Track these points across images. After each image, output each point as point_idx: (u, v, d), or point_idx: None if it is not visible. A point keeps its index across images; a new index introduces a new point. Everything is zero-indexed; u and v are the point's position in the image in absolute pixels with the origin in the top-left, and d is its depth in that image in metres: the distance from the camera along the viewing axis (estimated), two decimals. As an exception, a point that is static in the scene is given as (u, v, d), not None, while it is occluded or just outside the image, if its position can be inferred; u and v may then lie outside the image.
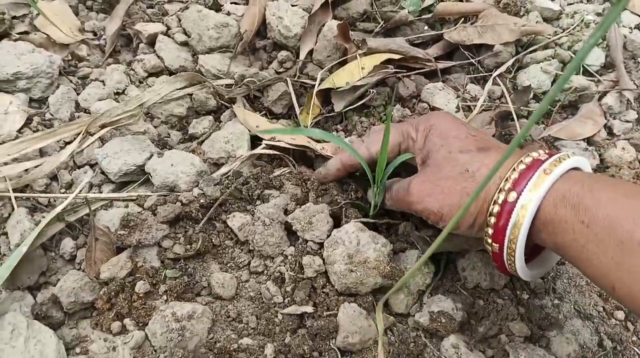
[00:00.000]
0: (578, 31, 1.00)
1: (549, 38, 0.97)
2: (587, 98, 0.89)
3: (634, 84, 0.91)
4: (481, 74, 0.96)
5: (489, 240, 0.54)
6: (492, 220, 0.52)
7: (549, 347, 0.65)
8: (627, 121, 0.87)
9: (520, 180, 0.50)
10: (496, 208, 0.52)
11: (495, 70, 0.94)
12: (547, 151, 0.53)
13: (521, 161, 0.52)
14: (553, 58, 0.95)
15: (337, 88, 0.89)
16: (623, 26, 1.00)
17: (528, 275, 0.56)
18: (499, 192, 0.52)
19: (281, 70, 0.96)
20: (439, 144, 0.59)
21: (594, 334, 0.68)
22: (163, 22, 1.04)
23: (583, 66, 0.94)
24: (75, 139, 0.81)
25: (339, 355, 0.62)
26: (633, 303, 0.43)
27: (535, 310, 0.68)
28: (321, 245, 0.70)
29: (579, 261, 0.47)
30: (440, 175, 0.57)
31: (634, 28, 1.00)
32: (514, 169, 0.52)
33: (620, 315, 0.70)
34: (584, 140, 0.84)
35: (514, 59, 0.96)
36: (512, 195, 0.50)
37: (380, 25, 1.02)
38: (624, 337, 0.68)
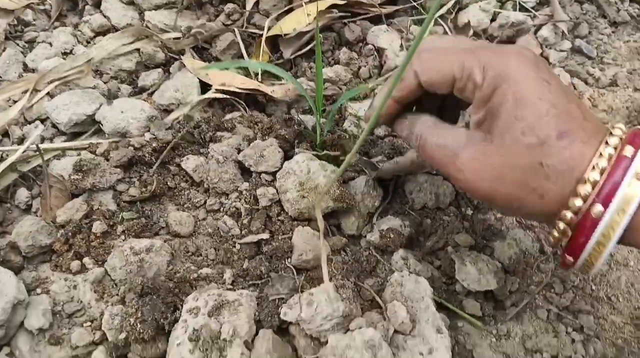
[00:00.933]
0: (514, -28, 1.03)
1: (487, -22, 1.01)
2: (524, 32, 0.93)
3: (568, 17, 0.95)
4: (424, 16, 0.99)
5: (562, 249, 0.47)
6: (566, 229, 0.45)
7: (492, 255, 0.69)
8: (562, 50, 0.91)
9: (605, 187, 0.41)
10: (570, 216, 0.43)
11: (437, 12, 0.97)
12: (628, 131, 0.43)
13: (606, 147, 0.42)
14: (491, -3, 0.99)
15: (284, 35, 0.91)
16: (557, -36, 1.04)
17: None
18: (574, 196, 0.42)
19: (229, 22, 0.97)
20: (512, 114, 0.44)
21: (536, 241, 0.72)
22: (108, -16, 1.04)
23: (519, 3, 0.98)
24: (23, 96, 0.81)
25: (295, 272, 0.65)
26: None
27: (479, 224, 0.72)
28: (274, 176, 0.73)
29: None
30: (506, 159, 0.45)
31: (567, -34, 1.04)
32: (594, 168, 0.41)
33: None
34: (521, 69, 0.88)
35: (454, 0, 0.99)
36: (597, 209, 0.41)
37: (324, -25, 1.04)
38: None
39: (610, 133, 0.43)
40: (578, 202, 0.42)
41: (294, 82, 0.75)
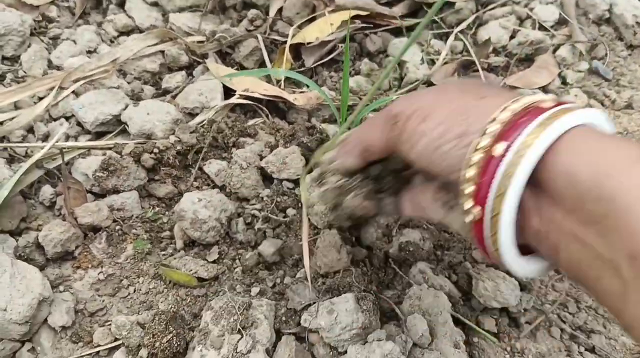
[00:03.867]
0: (534, -10, 1.05)
1: (507, -4, 1.02)
2: (543, 51, 0.95)
3: (586, 38, 0.96)
4: (444, 31, 1.00)
5: (469, 203, 0.38)
6: (473, 172, 0.37)
7: (509, 272, 0.70)
8: (579, 71, 0.93)
9: (511, 129, 0.36)
10: (478, 156, 0.37)
11: (457, 27, 0.98)
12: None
13: (516, 100, 0.38)
14: (510, 14, 1.00)
15: (307, 43, 0.92)
16: (576, -15, 1.06)
17: (519, 264, 0.38)
18: (482, 135, 0.37)
19: (251, 28, 0.98)
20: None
21: (550, 260, 0.73)
22: (132, -16, 1.05)
23: (538, 22, 0.99)
24: (49, 93, 0.82)
25: (314, 281, 0.66)
26: None
27: (496, 240, 0.73)
28: (296, 183, 0.74)
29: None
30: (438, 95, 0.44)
31: (587, -13, 1.06)
32: (505, 109, 0.37)
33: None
34: (539, 88, 0.90)
35: (474, 16, 1.00)
36: (500, 148, 0.36)
37: (347, -15, 1.05)
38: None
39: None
40: (485, 141, 0.37)
41: (319, 90, 0.76)
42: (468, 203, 0.39)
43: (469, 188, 0.38)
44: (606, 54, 0.97)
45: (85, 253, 0.69)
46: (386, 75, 0.34)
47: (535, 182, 0.35)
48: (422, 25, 0.36)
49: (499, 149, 0.36)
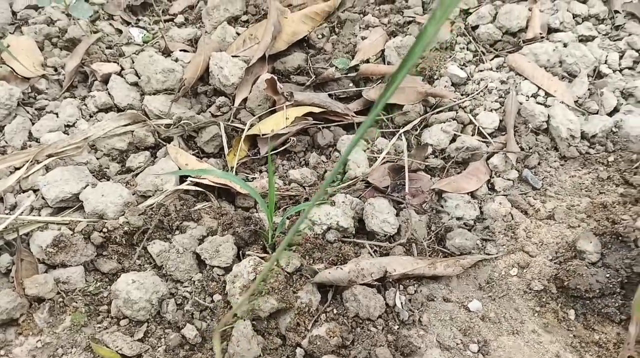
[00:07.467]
0: (481, 96, 1.14)
1: (454, 101, 1.12)
2: (478, 157, 1.03)
3: (520, 147, 1.05)
4: (391, 130, 1.09)
5: None
6: None
7: (408, 374, 0.77)
8: (509, 179, 1.01)
9: None
10: None
11: (403, 127, 1.08)
12: None
13: None
14: (453, 119, 1.09)
15: (262, 134, 1.02)
16: (521, 94, 1.15)
17: None
18: None
19: (218, 114, 1.09)
20: None
21: (443, 363, 0.80)
22: (118, 63, 1.16)
23: (479, 128, 1.08)
24: (23, 165, 0.92)
25: (224, 368, 0.73)
26: None
27: (401, 339, 0.80)
28: (226, 270, 0.82)
29: None
30: None
31: (530, 96, 1.15)
32: None
33: (475, 347, 0.82)
34: (468, 193, 0.98)
35: (421, 118, 1.10)
36: None
37: (311, 79, 1.15)
38: (474, 366, 0.81)
39: None
40: None
41: (248, 189, 0.84)
42: None
43: None
44: (539, 163, 1.05)
45: (28, 320, 0.78)
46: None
47: None
48: (364, 129, 0.43)
49: None
